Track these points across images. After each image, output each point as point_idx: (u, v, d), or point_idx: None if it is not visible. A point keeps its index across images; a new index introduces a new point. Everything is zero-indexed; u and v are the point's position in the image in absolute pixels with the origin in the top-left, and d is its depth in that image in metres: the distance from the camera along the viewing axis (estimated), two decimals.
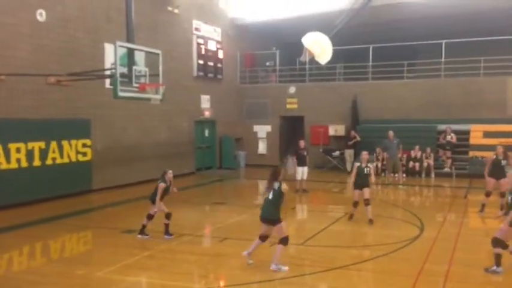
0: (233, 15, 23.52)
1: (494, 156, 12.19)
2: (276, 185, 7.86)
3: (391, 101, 21.51)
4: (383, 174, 19.25)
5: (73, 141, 14.90)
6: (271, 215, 7.79)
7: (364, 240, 10.15)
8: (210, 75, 21.75)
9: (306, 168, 15.71)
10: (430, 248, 8.96)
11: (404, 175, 18.64)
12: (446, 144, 19.55)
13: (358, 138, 20.61)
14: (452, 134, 19.52)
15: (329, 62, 15.14)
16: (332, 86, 23.09)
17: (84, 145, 15.27)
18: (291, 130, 24.06)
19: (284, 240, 7.72)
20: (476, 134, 19.79)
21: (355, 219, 11.38)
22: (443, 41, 21.33)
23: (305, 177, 15.71)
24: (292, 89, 23.49)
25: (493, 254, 7.61)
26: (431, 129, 20.35)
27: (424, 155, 19.49)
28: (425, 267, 7.91)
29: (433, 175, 19.31)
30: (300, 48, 14.78)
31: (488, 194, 12.21)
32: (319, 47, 14.86)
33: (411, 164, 19.50)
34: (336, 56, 16.27)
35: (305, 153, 15.76)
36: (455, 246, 9.19)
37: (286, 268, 7.66)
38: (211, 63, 21.76)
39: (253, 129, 24.04)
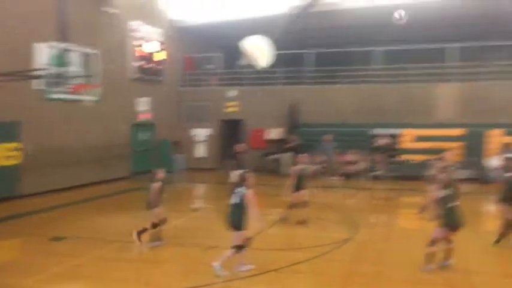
0: (174, 16, 23.32)
1: (443, 163, 12.32)
2: (240, 190, 7.80)
3: (328, 105, 22.04)
4: (320, 177, 19.64)
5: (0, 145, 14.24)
6: (236, 221, 7.75)
7: (299, 243, 10.32)
8: (150, 77, 21.43)
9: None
10: (362, 249, 9.25)
11: (340, 178, 19.12)
12: (379, 148, 20.23)
13: (297, 142, 20.94)
14: (385, 138, 20.22)
15: (269, 66, 15.35)
16: (272, 90, 23.37)
17: (12, 149, 14.61)
18: (231, 133, 24.12)
19: (237, 247, 7.76)
20: (408, 138, 20.64)
21: (291, 222, 11.55)
22: (377, 48, 22.11)
23: None
24: (232, 93, 23.57)
25: (425, 253, 7.94)
26: (366, 133, 21.00)
27: (359, 158, 20.08)
28: (356, 268, 8.17)
29: (368, 178, 19.91)
30: (240, 52, 14.89)
31: None
32: (260, 51, 15.02)
33: (347, 167, 20.04)
34: (276, 60, 16.50)
35: (243, 157, 15.83)
36: (386, 247, 9.53)
37: (220, 271, 7.67)
38: (150, 65, 21.46)
39: (192, 133, 23.91)
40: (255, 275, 7.83)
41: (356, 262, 8.52)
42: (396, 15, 15.71)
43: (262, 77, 22.81)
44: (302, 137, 21.14)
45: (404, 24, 16.30)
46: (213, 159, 23.48)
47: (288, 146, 21.06)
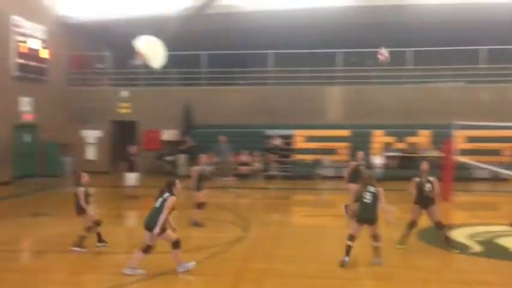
0: (61, 12, 22.06)
1: (355, 163, 12.55)
2: (166, 195, 7.78)
3: (223, 106, 22.15)
4: (215, 177, 19.65)
5: None
6: (153, 222, 7.60)
7: (191, 244, 10.15)
8: (33, 76, 20.06)
9: (137, 174, 15.35)
10: (253, 247, 9.36)
11: (235, 178, 19.29)
12: (273, 149, 20.73)
13: (192, 143, 20.81)
14: (277, 139, 20.77)
15: (162, 67, 15.02)
16: (166, 91, 23.00)
17: None
18: (123, 135, 23.31)
19: (146, 248, 7.70)
20: (300, 138, 21.38)
21: (187, 223, 11.38)
22: (271, 51, 22.66)
23: (136, 183, 15.32)
24: (124, 93, 22.83)
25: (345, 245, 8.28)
26: (260, 134, 21.40)
27: (253, 158, 20.41)
28: (248, 266, 8.24)
29: (261, 178, 20.31)
30: (132, 51, 14.40)
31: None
32: (152, 51, 14.65)
33: (241, 167, 20.28)
34: (170, 61, 16.21)
35: (136, 159, 15.39)
36: (277, 244, 9.73)
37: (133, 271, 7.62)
38: (33, 63, 20.09)
39: (82, 134, 22.78)
40: (145, 279, 7.59)
41: (248, 260, 8.60)
42: (380, 56, 16.30)
43: (156, 77, 22.36)
44: (197, 138, 21.04)
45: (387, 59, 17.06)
46: (104, 162, 22.55)
47: (182, 147, 20.85)
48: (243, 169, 20.29)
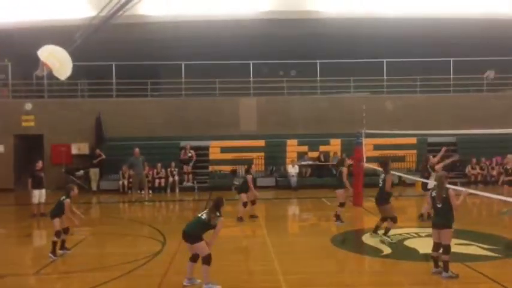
0: None
1: (346, 168, 12.76)
2: (217, 214, 7.59)
3: (136, 118, 21.59)
4: (129, 191, 19.09)
5: None
6: (194, 234, 7.50)
7: (106, 261, 9.76)
8: None
9: (43, 191, 14.49)
10: (170, 261, 9.14)
11: (150, 191, 18.85)
12: (187, 160, 20.50)
13: (103, 156, 20.08)
14: (191, 151, 20.57)
15: (70, 78, 14.32)
16: (74, 103, 22.04)
17: None
18: (29, 150, 21.97)
19: (207, 260, 7.46)
20: (215, 149, 21.34)
21: (103, 240, 10.89)
22: (183, 63, 22.50)
23: (43, 200, 14.44)
24: (28, 106, 21.52)
25: None
26: (174, 145, 21.11)
27: (168, 171, 20.06)
28: (165, 280, 8.03)
29: (177, 190, 20.00)
30: (36, 61, 13.61)
31: (342, 205, 12.66)
32: (58, 61, 13.95)
33: (157, 180, 19.86)
34: (78, 72, 15.53)
35: (42, 174, 14.54)
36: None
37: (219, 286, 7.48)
38: None
39: None
40: None
41: (165, 275, 8.38)
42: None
43: (64, 89, 21.37)
44: (109, 151, 20.34)
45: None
46: (8, 179, 21.07)
47: (94, 161, 20.06)
48: (159, 182, 19.87)
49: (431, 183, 11.16)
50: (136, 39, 22.51)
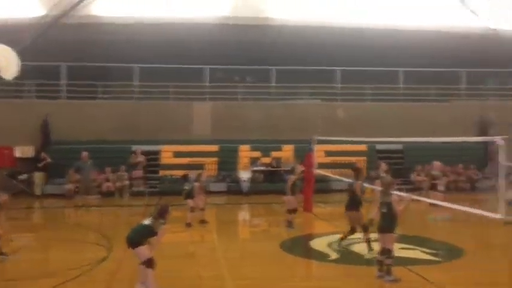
0: None
1: (294, 176, 12.74)
2: (161, 221, 7.50)
3: (85, 121, 21.01)
4: (76, 196, 18.57)
5: None
6: (137, 240, 7.37)
7: (50, 268, 9.45)
8: None
9: None
10: (117, 268, 8.94)
11: (98, 196, 18.41)
12: (137, 165, 20.14)
13: (49, 160, 19.46)
14: (142, 156, 20.22)
15: (17, 78, 13.84)
16: (20, 104, 21.26)
17: None
18: None
19: (149, 264, 7.29)
20: (167, 154, 21.08)
21: (47, 246, 10.53)
22: (136, 65, 22.17)
23: None
24: None
25: None
26: (125, 150, 20.67)
27: (117, 175, 19.64)
28: (111, 287, 7.84)
29: (127, 195, 19.60)
30: None
31: (290, 211, 12.59)
32: (5, 61, 13.45)
33: (105, 185, 19.40)
34: (26, 72, 15.03)
35: None
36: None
37: None
38: None
39: None
40: None
41: (111, 281, 8.20)
42: None
43: (9, 89, 20.57)
44: (56, 154, 19.72)
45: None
46: None
47: (39, 164, 19.39)
48: (108, 186, 19.43)
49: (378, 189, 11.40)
50: (88, 40, 22.00)
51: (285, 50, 22.98)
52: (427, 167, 20.91)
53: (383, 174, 13.14)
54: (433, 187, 13.91)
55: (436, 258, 9.68)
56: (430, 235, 11.90)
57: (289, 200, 12.56)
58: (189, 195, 13.32)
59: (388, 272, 7.98)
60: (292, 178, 12.62)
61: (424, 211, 14.56)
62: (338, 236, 10.65)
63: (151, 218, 7.62)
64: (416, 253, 9.95)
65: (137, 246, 7.35)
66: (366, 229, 9.82)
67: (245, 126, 22.13)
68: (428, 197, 12.83)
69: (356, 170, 10.70)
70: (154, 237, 7.49)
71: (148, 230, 7.46)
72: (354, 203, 10.15)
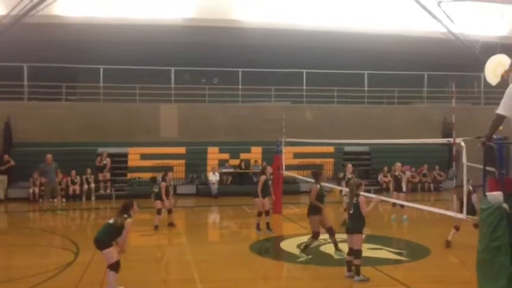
0: None
1: (265, 177, 12.58)
2: (125, 216, 7.45)
3: (49, 123, 20.56)
4: (41, 200, 18.12)
5: None
6: (104, 239, 7.40)
7: (13, 274, 9.17)
8: None
9: None
10: (83, 272, 8.76)
11: (63, 200, 18.01)
12: (102, 167, 19.81)
13: (12, 163, 18.93)
14: (107, 158, 19.88)
15: None
16: None
17: None
18: None
19: (114, 266, 7.32)
20: (134, 156, 20.83)
21: (10, 251, 10.24)
22: (102, 67, 21.83)
23: None
24: None
25: None
26: (91, 152, 20.33)
27: (84, 178, 19.28)
28: None
29: (93, 198, 19.26)
30: None
31: (260, 214, 12.43)
32: None
33: (71, 187, 19.01)
34: None
35: None
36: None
37: None
38: None
39: None
40: None
41: (77, 286, 8.02)
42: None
43: None
44: (19, 157, 19.22)
45: None
46: None
47: (2, 167, 18.85)
48: (74, 189, 19.03)
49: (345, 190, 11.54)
50: (51, 40, 21.51)
51: (252, 52, 23.06)
52: (393, 169, 21.39)
53: (350, 176, 13.29)
54: (397, 188, 14.19)
55: (404, 258, 9.88)
56: (396, 235, 12.13)
57: (258, 202, 12.44)
58: (158, 196, 13.20)
59: (357, 272, 8.09)
60: (262, 179, 12.54)
61: (390, 211, 14.82)
62: (307, 238, 10.69)
63: (114, 215, 7.59)
64: (384, 253, 10.13)
65: (105, 248, 7.33)
66: (330, 231, 9.84)
67: (213, 128, 22.10)
68: (393, 198, 13.06)
69: (315, 175, 10.56)
70: (120, 236, 7.46)
71: (113, 228, 7.45)
72: (311, 207, 9.88)
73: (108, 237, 7.44)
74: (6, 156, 19.09)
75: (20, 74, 21.20)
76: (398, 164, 14.62)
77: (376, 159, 22.42)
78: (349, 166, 13.98)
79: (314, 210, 9.81)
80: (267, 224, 12.43)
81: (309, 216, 9.97)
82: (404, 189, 14.27)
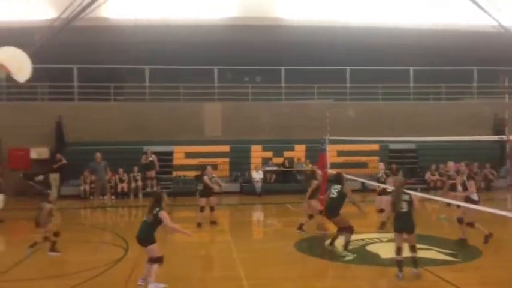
0: None
1: (317, 182, 12.60)
2: (156, 210, 7.86)
3: (98, 123, 21.20)
4: (91, 197, 18.71)
5: None
6: (144, 236, 7.81)
7: (66, 269, 9.52)
8: None
9: (1, 196, 14.08)
10: (134, 268, 8.99)
11: (112, 197, 18.52)
12: (149, 165, 20.21)
13: (64, 161, 19.63)
14: (153, 155, 20.26)
15: (30, 81, 13.96)
16: (34, 106, 21.48)
17: None
18: None
19: (158, 260, 7.73)
20: (179, 155, 21.17)
21: (63, 247, 10.60)
22: (147, 67, 22.27)
23: (1, 205, 14.03)
24: None
25: None
26: (137, 150, 20.79)
27: (131, 176, 19.76)
28: (130, 287, 7.91)
29: (140, 195, 19.72)
30: None
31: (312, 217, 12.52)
32: (17, 64, 13.56)
33: (119, 185, 19.52)
34: (39, 75, 15.15)
35: (0, 179, 14.12)
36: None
37: (164, 286, 7.70)
38: None
39: None
40: None
41: (128, 281, 8.25)
42: None
43: (23, 91, 20.78)
44: (70, 156, 19.90)
45: None
46: None
47: (54, 166, 19.58)
48: (122, 187, 19.55)
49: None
50: (99, 42, 22.16)
51: (295, 50, 23.00)
52: (442, 167, 20.82)
53: (380, 175, 13.24)
54: (452, 188, 13.73)
55: (454, 259, 9.64)
56: (446, 235, 11.84)
57: (314, 204, 12.29)
58: (202, 194, 13.37)
59: (416, 264, 8.19)
60: (315, 183, 12.46)
61: (439, 211, 14.46)
62: (352, 237, 10.59)
63: (147, 213, 8.03)
64: (433, 253, 9.90)
65: (148, 245, 7.81)
66: (350, 230, 10.07)
67: (256, 126, 22.18)
68: (447, 198, 12.70)
69: (338, 176, 10.80)
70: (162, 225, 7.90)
71: (150, 224, 7.89)
72: (335, 207, 10.30)
73: (148, 233, 7.85)
74: (58, 155, 19.80)
75: (70, 75, 21.93)
76: (451, 163, 14.13)
77: (423, 157, 21.93)
78: (381, 164, 13.77)
79: (336, 209, 10.22)
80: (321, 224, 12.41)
81: (333, 217, 10.22)
82: (459, 188, 13.76)
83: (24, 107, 21.34)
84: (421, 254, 9.56)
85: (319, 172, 13.37)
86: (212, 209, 13.48)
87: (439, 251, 10.06)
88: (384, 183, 12.78)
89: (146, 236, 7.81)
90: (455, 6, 21.34)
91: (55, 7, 20.24)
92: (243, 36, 22.34)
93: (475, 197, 10.77)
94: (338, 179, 10.68)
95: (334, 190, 10.49)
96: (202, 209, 13.25)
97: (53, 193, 10.72)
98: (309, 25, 21.36)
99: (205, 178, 13.45)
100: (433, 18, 21.74)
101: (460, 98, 24.72)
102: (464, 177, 11.18)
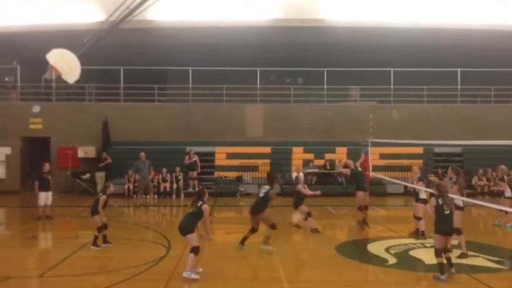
0: None
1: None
2: (200, 203, 8.55)
3: (142, 123, 21.68)
4: (134, 196, 19.11)
5: None
6: (185, 226, 8.43)
7: (110, 265, 9.77)
8: None
9: (50, 194, 14.57)
10: (176, 266, 9.13)
11: (155, 196, 18.84)
12: (191, 166, 20.46)
13: (110, 160, 20.15)
14: (195, 155, 20.50)
15: (78, 82, 14.43)
16: (82, 107, 22.15)
17: None
18: (36, 152, 22.09)
19: (194, 250, 8.30)
20: (221, 155, 21.36)
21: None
22: (191, 68, 22.58)
23: (49, 202, 14.53)
24: (36, 108, 21.68)
25: None
26: (180, 151, 21.12)
27: (173, 176, 20.06)
28: (170, 285, 8.04)
29: (182, 195, 20.00)
30: (45, 65, 13.71)
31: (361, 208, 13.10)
32: (67, 65, 14.03)
33: (162, 185, 19.87)
34: (86, 76, 15.66)
35: (49, 177, 14.62)
36: (199, 261, 9.53)
37: (197, 276, 8.20)
38: None
39: None
40: None
41: (170, 279, 8.38)
42: None
43: (71, 92, 21.51)
44: (116, 155, 20.41)
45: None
46: (14, 181, 21.18)
47: (101, 164, 20.12)
48: (165, 186, 19.89)
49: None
50: (145, 44, 22.66)
51: (337, 51, 22.80)
52: (489, 172, 20.17)
53: (411, 181, 13.08)
54: (499, 193, 13.27)
55: (501, 266, 9.32)
56: (495, 242, 11.45)
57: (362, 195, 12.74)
58: (297, 203, 13.44)
59: (450, 265, 8.25)
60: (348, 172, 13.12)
61: (487, 217, 14.01)
62: (394, 241, 10.45)
63: (191, 206, 8.67)
64: (481, 260, 9.60)
65: (187, 234, 8.39)
66: (273, 227, 10.52)
67: (297, 128, 22.12)
68: (497, 203, 12.26)
69: (269, 178, 11.13)
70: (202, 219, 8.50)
71: (192, 215, 8.55)
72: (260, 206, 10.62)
73: (189, 223, 8.49)
74: (104, 154, 20.35)
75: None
76: (503, 166, 13.62)
77: (469, 160, 21.30)
78: (416, 168, 13.52)
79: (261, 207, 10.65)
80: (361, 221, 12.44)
81: (257, 214, 10.56)
82: (508, 194, 13.25)
83: (72, 107, 22.05)
84: (468, 261, 9.33)
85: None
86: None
87: (487, 258, 9.74)
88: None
89: (187, 225, 8.43)
90: (505, 6, 20.66)
91: (103, 10, 20.82)
92: (286, 38, 22.33)
93: None
94: (269, 180, 11.08)
95: (263, 190, 10.79)
96: (309, 214, 13.11)
97: (111, 186, 11.18)
98: (352, 26, 21.13)
99: (299, 186, 13.32)
100: (482, 19, 21.10)
101: (510, 101, 23.87)
102: None
